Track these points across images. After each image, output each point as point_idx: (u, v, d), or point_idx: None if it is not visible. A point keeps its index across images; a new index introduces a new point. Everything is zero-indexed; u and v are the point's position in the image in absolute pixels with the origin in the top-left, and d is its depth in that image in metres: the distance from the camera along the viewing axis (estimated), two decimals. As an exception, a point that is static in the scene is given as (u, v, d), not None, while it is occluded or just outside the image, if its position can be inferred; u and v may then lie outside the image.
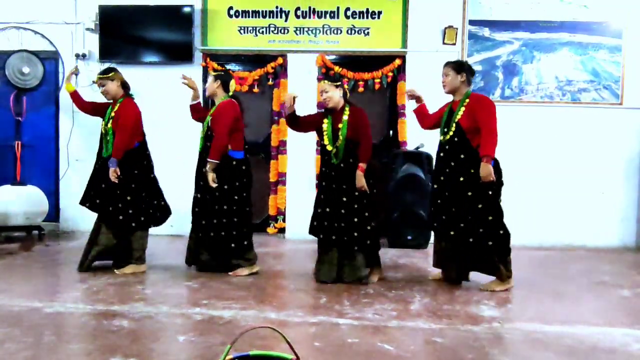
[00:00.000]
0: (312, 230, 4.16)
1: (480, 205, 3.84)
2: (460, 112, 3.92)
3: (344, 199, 3.99)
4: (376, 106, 6.35)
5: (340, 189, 4.01)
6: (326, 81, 4.16)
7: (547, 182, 6.11)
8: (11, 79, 5.83)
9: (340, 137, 4.00)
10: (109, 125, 4.26)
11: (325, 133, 4.08)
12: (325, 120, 4.11)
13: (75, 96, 4.66)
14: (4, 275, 4.16)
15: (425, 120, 4.32)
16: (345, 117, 4.03)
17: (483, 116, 3.86)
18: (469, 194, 3.85)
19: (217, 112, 4.16)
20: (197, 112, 4.49)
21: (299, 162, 6.23)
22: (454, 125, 3.93)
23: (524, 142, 6.05)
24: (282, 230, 6.35)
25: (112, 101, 4.38)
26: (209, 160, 4.07)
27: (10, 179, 5.91)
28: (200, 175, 4.21)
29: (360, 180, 3.93)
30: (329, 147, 4.04)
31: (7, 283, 3.87)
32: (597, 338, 2.89)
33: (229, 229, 4.16)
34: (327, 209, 4.04)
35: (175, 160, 5.75)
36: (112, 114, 4.27)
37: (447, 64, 4.09)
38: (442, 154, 4.04)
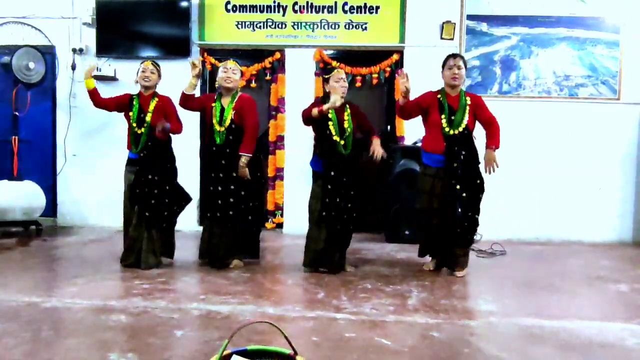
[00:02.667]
0: (323, 220, 4.12)
1: (472, 198, 4.04)
2: (467, 109, 4.05)
3: (351, 191, 4.14)
4: (374, 101, 6.35)
5: (347, 180, 4.11)
6: (342, 70, 4.24)
7: (545, 177, 6.12)
8: (17, 74, 5.81)
9: (348, 130, 4.13)
10: (148, 119, 4.25)
11: (331, 124, 4.09)
12: (330, 112, 4.08)
13: (94, 93, 4.38)
14: (1, 270, 4.15)
15: (413, 113, 4.20)
16: (347, 111, 4.17)
17: (488, 114, 4.12)
18: (471, 185, 4.03)
19: (246, 105, 4.18)
20: (188, 101, 4.31)
21: (297, 157, 6.23)
22: (464, 120, 4.03)
23: (522, 137, 6.05)
24: (279, 225, 6.35)
25: (134, 94, 4.36)
26: (245, 154, 4.08)
27: (7, 174, 5.90)
28: (226, 168, 4.16)
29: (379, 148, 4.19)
30: (336, 138, 4.09)
31: (4, 278, 3.86)
32: (593, 333, 2.90)
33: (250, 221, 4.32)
34: (337, 199, 4.09)
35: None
36: (152, 107, 4.27)
37: (460, 57, 4.12)
38: (454, 147, 4.01)
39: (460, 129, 4.02)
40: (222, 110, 4.16)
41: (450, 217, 4.02)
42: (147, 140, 4.24)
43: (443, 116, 4.03)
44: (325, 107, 3.96)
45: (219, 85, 4.26)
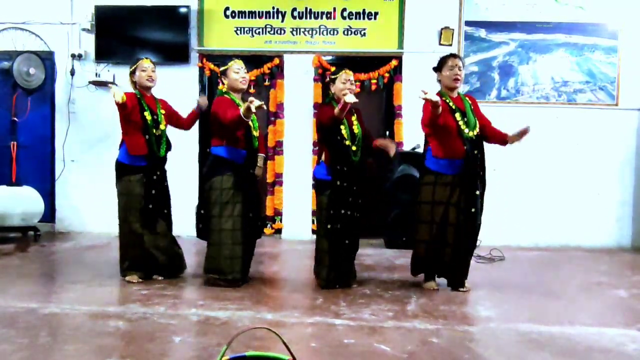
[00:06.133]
0: (328, 234, 3.82)
1: (479, 205, 3.78)
2: (473, 111, 3.82)
3: (359, 200, 3.90)
4: (373, 107, 6.36)
5: (356, 189, 3.87)
6: (351, 72, 3.92)
7: (543, 183, 6.13)
8: (18, 80, 5.82)
9: (358, 135, 3.89)
10: (161, 120, 3.96)
11: (344, 128, 3.81)
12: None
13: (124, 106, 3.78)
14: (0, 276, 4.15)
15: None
16: (355, 115, 3.94)
17: (483, 115, 3.90)
18: (477, 192, 3.75)
19: None
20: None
21: (296, 162, 6.24)
22: (476, 120, 3.79)
23: (520, 143, 6.05)
24: (278, 231, 6.35)
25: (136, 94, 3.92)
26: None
27: (6, 180, 5.89)
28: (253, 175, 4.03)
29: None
30: (348, 143, 3.81)
31: (2, 284, 3.85)
32: (592, 338, 2.90)
33: None
34: (342, 211, 3.82)
35: (174, 160, 5.75)
36: (160, 110, 4.00)
37: (459, 57, 3.89)
38: (474, 150, 3.72)
39: (477, 131, 3.77)
40: None
41: (467, 226, 3.72)
42: (167, 143, 4.00)
43: (459, 118, 3.74)
44: (346, 99, 3.56)
45: (229, 88, 3.94)
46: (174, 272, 4.10)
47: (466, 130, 3.74)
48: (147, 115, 3.85)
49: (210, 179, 3.87)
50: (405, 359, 2.55)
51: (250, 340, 2.62)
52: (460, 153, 3.73)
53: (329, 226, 3.81)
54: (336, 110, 3.66)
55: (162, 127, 3.96)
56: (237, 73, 3.92)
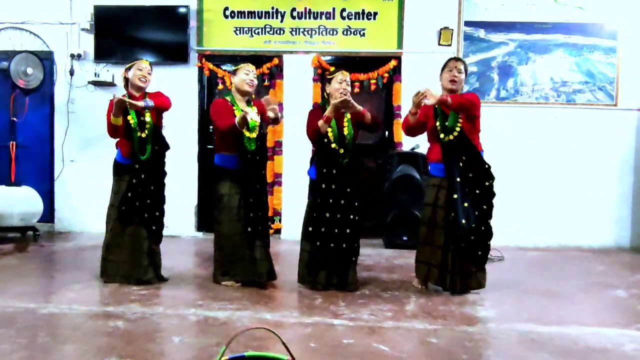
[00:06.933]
0: (309, 236, 3.89)
1: (478, 208, 3.75)
2: (459, 113, 3.77)
3: (354, 202, 3.87)
4: (372, 107, 6.33)
5: (350, 192, 3.85)
6: (347, 73, 3.93)
7: (542, 183, 6.13)
8: (15, 80, 5.81)
9: (348, 137, 3.87)
10: (148, 119, 3.91)
11: (330, 131, 3.81)
12: None
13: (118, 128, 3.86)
14: (-1, 276, 4.15)
15: (417, 130, 3.99)
16: (347, 117, 3.91)
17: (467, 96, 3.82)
18: (474, 192, 3.74)
19: (264, 109, 3.97)
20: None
21: (295, 162, 6.23)
22: (457, 124, 3.74)
23: (519, 143, 6.07)
24: (278, 231, 6.35)
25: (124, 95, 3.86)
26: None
27: (5, 180, 5.89)
28: (261, 178, 4.09)
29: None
30: (334, 146, 3.81)
31: (1, 284, 3.85)
32: (591, 338, 2.90)
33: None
34: (332, 214, 3.82)
35: (172, 160, 5.74)
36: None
37: (462, 61, 3.90)
38: (450, 154, 3.75)
39: (455, 134, 3.74)
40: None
41: (454, 229, 3.69)
42: (154, 145, 3.95)
43: (438, 123, 3.80)
44: (327, 112, 3.73)
45: (235, 88, 3.99)
46: (141, 279, 3.91)
47: (442, 135, 3.80)
48: (130, 119, 3.85)
49: (214, 188, 4.00)
50: (404, 359, 2.55)
51: (249, 341, 2.62)
52: (438, 157, 3.83)
53: (310, 229, 3.87)
54: (320, 122, 3.77)
55: (148, 127, 3.90)
56: (247, 75, 3.96)
